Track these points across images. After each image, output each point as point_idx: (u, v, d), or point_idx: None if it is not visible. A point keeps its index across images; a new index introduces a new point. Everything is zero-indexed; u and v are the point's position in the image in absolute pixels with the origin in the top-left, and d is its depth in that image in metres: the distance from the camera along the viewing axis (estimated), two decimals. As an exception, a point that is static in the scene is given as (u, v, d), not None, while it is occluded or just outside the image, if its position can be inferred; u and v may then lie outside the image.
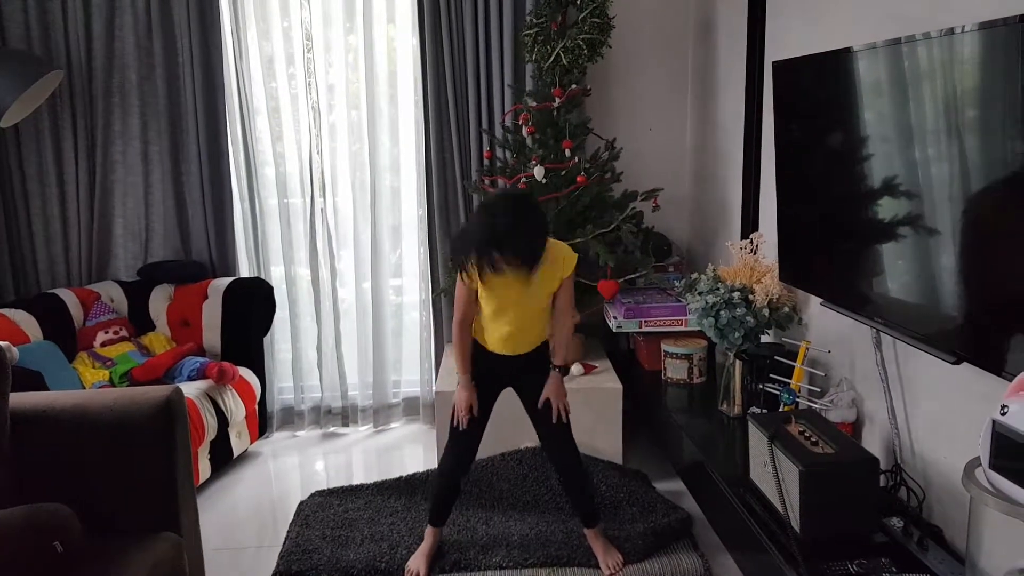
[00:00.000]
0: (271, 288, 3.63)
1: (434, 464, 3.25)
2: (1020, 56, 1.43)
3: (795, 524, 1.92)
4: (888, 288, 2.00)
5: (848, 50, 2.00)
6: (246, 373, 3.45)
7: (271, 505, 3.12)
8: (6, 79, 3.11)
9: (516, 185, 3.30)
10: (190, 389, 3.06)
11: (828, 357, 2.57)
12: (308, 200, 3.75)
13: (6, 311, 3.13)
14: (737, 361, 2.72)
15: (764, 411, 2.63)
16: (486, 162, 3.62)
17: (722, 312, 2.64)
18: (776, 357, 2.63)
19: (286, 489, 3.28)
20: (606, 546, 2.53)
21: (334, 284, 3.81)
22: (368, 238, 3.77)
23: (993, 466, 1.40)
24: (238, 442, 3.38)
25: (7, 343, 2.21)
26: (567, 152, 3.31)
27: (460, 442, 2.50)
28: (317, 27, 3.66)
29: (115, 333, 3.38)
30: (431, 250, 3.77)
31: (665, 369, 3.18)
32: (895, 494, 2.08)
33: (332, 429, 3.89)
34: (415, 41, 3.62)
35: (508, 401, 2.53)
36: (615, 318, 3.26)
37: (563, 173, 3.29)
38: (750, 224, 3.10)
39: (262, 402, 3.63)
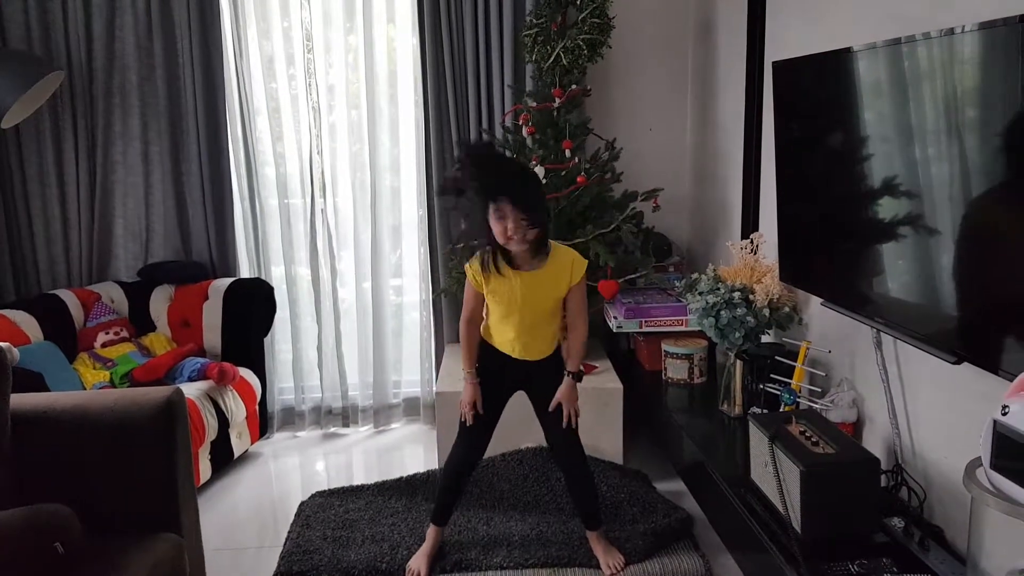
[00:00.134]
0: (271, 288, 3.63)
1: (435, 464, 3.25)
2: (1020, 56, 1.43)
3: (796, 524, 1.92)
4: (888, 288, 2.00)
5: (848, 50, 1.99)
6: (246, 374, 3.45)
7: (272, 506, 3.12)
8: (7, 80, 3.11)
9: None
10: (191, 390, 3.05)
11: (829, 357, 2.57)
12: (308, 200, 3.75)
13: (6, 312, 3.13)
14: (738, 361, 2.72)
15: (765, 411, 2.63)
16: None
17: (722, 312, 2.64)
18: (777, 357, 2.63)
19: (287, 490, 3.28)
20: (607, 547, 2.53)
21: (334, 284, 3.81)
22: (368, 238, 3.77)
23: (994, 466, 1.40)
24: (239, 443, 3.38)
25: (8, 344, 2.21)
26: (567, 152, 3.31)
27: (468, 439, 2.51)
28: (317, 27, 3.66)
29: (116, 334, 3.38)
30: (431, 250, 3.77)
31: (665, 369, 3.18)
32: (896, 494, 2.08)
33: (333, 429, 3.89)
34: (415, 41, 3.62)
35: (510, 402, 2.53)
36: (615, 318, 3.26)
37: (563, 173, 3.29)
38: (750, 224, 3.10)
39: (263, 403, 3.63)
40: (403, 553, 2.58)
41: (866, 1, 2.28)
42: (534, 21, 3.34)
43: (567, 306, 2.40)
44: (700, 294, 2.76)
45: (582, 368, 2.47)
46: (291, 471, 3.50)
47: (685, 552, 2.59)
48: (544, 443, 2.67)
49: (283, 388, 3.92)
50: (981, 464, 1.43)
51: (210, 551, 2.34)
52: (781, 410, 2.52)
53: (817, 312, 2.59)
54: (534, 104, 3.38)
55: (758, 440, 2.13)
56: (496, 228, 2.20)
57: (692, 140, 3.86)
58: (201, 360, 3.27)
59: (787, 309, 2.66)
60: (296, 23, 3.63)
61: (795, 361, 2.56)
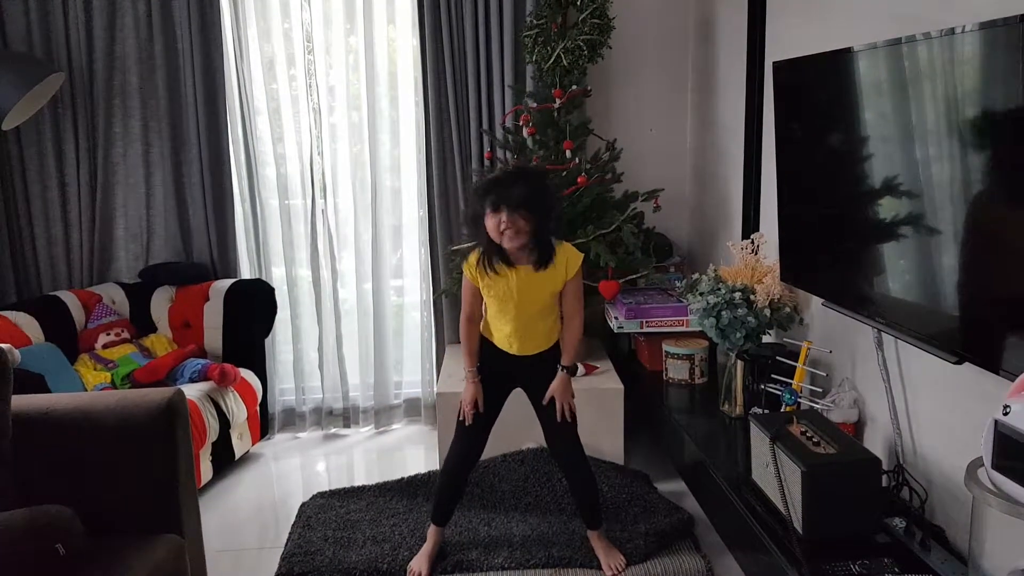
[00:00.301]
0: (272, 289, 3.63)
1: (436, 465, 3.25)
2: (1021, 56, 1.43)
3: (797, 524, 1.92)
4: (889, 288, 2.00)
5: (848, 50, 1.99)
6: (247, 375, 3.45)
7: (273, 507, 3.12)
8: (8, 81, 3.11)
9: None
10: (192, 391, 3.06)
11: (830, 357, 2.57)
12: (309, 201, 3.75)
13: (8, 313, 3.14)
14: (738, 361, 2.72)
15: (766, 411, 2.63)
16: (487, 163, 3.62)
17: (723, 312, 2.64)
18: (777, 357, 2.63)
19: (288, 490, 3.28)
20: (608, 547, 2.53)
21: (335, 285, 3.81)
22: (369, 239, 3.77)
23: (995, 466, 1.40)
24: (240, 444, 3.38)
25: (9, 345, 2.21)
26: (568, 153, 3.31)
27: (466, 437, 2.50)
28: (318, 28, 3.66)
29: (117, 335, 3.39)
30: (432, 251, 3.77)
31: (666, 369, 3.18)
32: (897, 494, 2.08)
33: (333, 430, 3.89)
34: (415, 42, 3.63)
35: (510, 402, 2.54)
36: (616, 319, 3.26)
37: (564, 174, 3.29)
38: (751, 224, 3.10)
39: (263, 403, 3.63)
40: (404, 554, 2.58)
41: (866, 1, 2.28)
42: (534, 22, 3.34)
43: (563, 300, 2.41)
44: (701, 294, 2.75)
45: (578, 364, 2.48)
46: (292, 472, 3.50)
47: (686, 552, 2.59)
48: (545, 444, 2.67)
49: (284, 389, 3.92)
50: (982, 464, 1.43)
51: (211, 552, 2.34)
52: (782, 410, 2.52)
53: (818, 312, 2.59)
54: (534, 105, 3.38)
55: (759, 440, 2.13)
56: (489, 223, 2.22)
57: (693, 140, 3.86)
58: (202, 361, 3.27)
59: (788, 309, 2.66)
60: (296, 24, 3.64)
61: (796, 361, 2.55)
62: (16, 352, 2.61)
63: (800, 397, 2.51)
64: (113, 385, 3.14)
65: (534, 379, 2.48)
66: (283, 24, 3.63)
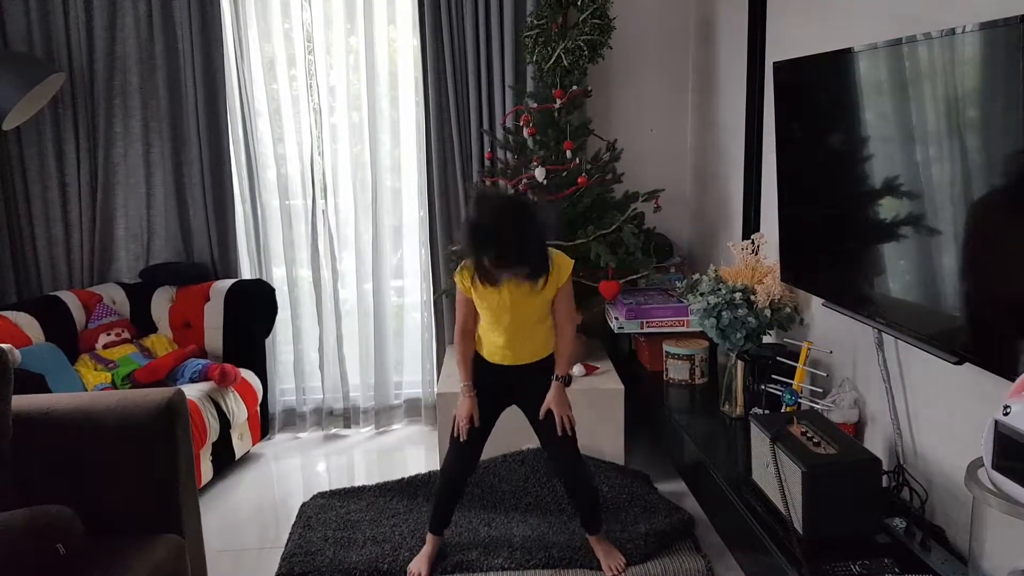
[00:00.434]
0: (273, 290, 3.64)
1: (436, 465, 3.25)
2: (1021, 56, 1.43)
3: (797, 525, 1.92)
4: (890, 288, 2.00)
5: (849, 50, 1.99)
6: (248, 375, 3.45)
7: (273, 507, 3.12)
8: (8, 81, 3.11)
9: (517, 188, 3.30)
10: (192, 391, 3.06)
11: (830, 358, 2.57)
12: (309, 201, 3.75)
13: (8, 313, 3.14)
14: (739, 362, 2.72)
15: (766, 412, 2.63)
16: (487, 163, 3.62)
17: (724, 313, 2.64)
18: (778, 358, 2.63)
19: (288, 491, 3.28)
20: (608, 548, 2.53)
21: (335, 285, 3.82)
22: (369, 239, 3.77)
23: (995, 466, 1.40)
24: (240, 444, 3.39)
25: (9, 345, 2.21)
26: (568, 153, 3.31)
27: (460, 452, 2.49)
28: (318, 28, 3.66)
29: (117, 335, 3.39)
30: (432, 251, 3.77)
31: (667, 370, 3.18)
32: (897, 494, 2.08)
33: (334, 430, 3.90)
34: (416, 42, 3.63)
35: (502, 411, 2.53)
36: (617, 319, 3.26)
37: (564, 174, 3.29)
38: (751, 224, 3.10)
39: (264, 404, 3.63)
40: (404, 554, 2.59)
41: (867, 2, 2.28)
42: (535, 22, 3.34)
43: (555, 308, 2.38)
44: (701, 295, 2.75)
45: (571, 374, 2.45)
46: (292, 472, 3.50)
47: (686, 553, 2.59)
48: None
49: (284, 389, 3.92)
50: (982, 464, 1.43)
51: (211, 552, 2.34)
52: (782, 411, 2.52)
53: (818, 312, 2.59)
54: (535, 105, 3.38)
55: (759, 441, 2.13)
56: (487, 265, 2.19)
57: (693, 141, 3.86)
58: (202, 361, 3.27)
59: (788, 310, 2.66)
60: (297, 24, 3.64)
61: (796, 362, 2.55)
62: (16, 352, 2.61)
63: (800, 397, 2.51)
64: (113, 385, 3.14)
65: (528, 392, 2.45)
66: (283, 24, 3.63)
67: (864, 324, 2.14)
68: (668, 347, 3.17)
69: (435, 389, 3.64)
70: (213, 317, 3.51)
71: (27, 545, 1.66)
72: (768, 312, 2.62)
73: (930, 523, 1.98)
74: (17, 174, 3.58)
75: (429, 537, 2.57)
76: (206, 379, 3.20)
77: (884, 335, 2.15)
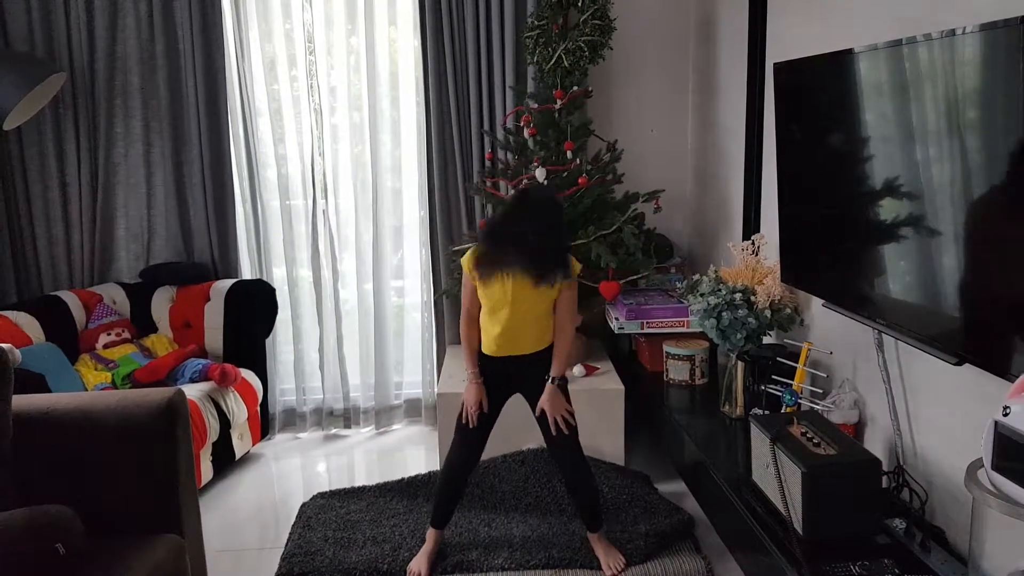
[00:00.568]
0: (273, 290, 3.64)
1: (436, 465, 3.25)
2: (1021, 57, 1.43)
3: (797, 525, 1.92)
4: (890, 289, 2.00)
5: (849, 51, 1.99)
6: (248, 375, 3.45)
7: (273, 507, 3.12)
8: (9, 81, 3.12)
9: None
10: (192, 391, 3.06)
11: (830, 358, 2.57)
12: (310, 202, 3.75)
13: (8, 313, 3.14)
14: (739, 362, 2.72)
15: (766, 412, 2.63)
16: (487, 163, 3.62)
17: (724, 313, 2.64)
18: (778, 358, 2.63)
19: (288, 491, 3.28)
20: (608, 548, 2.53)
21: (336, 285, 3.82)
22: (370, 239, 3.77)
23: (995, 467, 1.40)
24: (240, 444, 3.39)
25: (9, 345, 2.21)
26: (569, 154, 3.31)
27: (465, 442, 2.50)
28: (319, 29, 3.66)
29: (117, 335, 3.39)
30: (433, 251, 3.77)
31: (667, 370, 3.18)
32: (897, 495, 2.08)
33: (334, 431, 3.90)
34: (417, 43, 3.63)
35: (510, 403, 2.54)
36: (617, 319, 3.26)
37: (564, 175, 3.29)
38: (752, 225, 3.10)
39: (264, 404, 3.63)
40: (404, 554, 2.59)
41: (867, 2, 2.28)
42: (535, 23, 3.34)
43: (557, 308, 2.40)
44: (702, 295, 2.75)
45: (567, 376, 2.46)
46: (292, 472, 3.50)
47: (686, 553, 2.59)
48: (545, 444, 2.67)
49: (284, 389, 3.92)
50: (982, 465, 1.43)
51: (211, 552, 2.34)
52: (782, 411, 2.52)
53: (818, 313, 2.59)
54: (535, 105, 3.38)
55: (760, 441, 2.13)
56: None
57: (693, 141, 3.86)
58: (203, 361, 3.27)
59: (788, 310, 2.66)
60: (298, 25, 3.64)
61: (796, 362, 2.55)
62: (17, 352, 2.61)
63: (800, 398, 2.51)
64: (114, 385, 3.14)
65: (530, 384, 2.47)
66: (284, 25, 3.63)
67: (864, 325, 2.14)
68: (668, 348, 3.17)
69: (435, 389, 3.64)
70: (213, 317, 3.51)
71: (27, 545, 1.66)
72: (768, 313, 2.62)
73: (930, 524, 1.98)
74: (18, 174, 3.59)
75: (430, 533, 2.57)
76: (206, 379, 3.20)
77: (884, 336, 2.15)
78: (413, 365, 3.96)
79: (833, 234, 2.24)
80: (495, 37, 3.57)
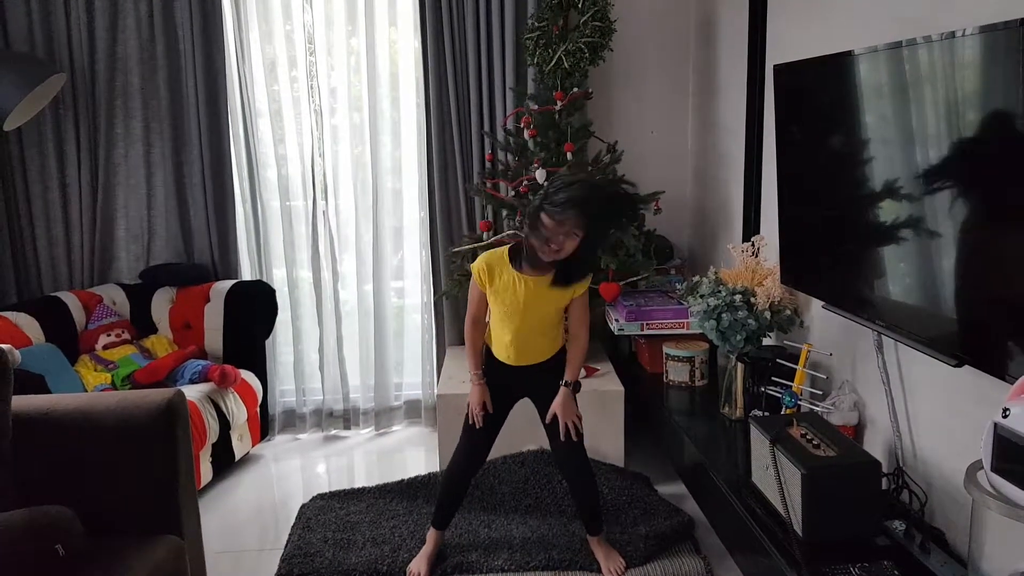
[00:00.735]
0: (273, 291, 3.64)
1: (436, 467, 3.25)
2: (1021, 59, 1.43)
3: (797, 527, 1.92)
4: (890, 291, 2.00)
5: (849, 53, 2.00)
6: (248, 376, 3.45)
7: (273, 508, 3.12)
8: (9, 82, 3.12)
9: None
10: (192, 392, 3.06)
11: (830, 360, 2.57)
12: (310, 202, 3.75)
13: (8, 314, 3.14)
14: (739, 364, 2.72)
15: (766, 414, 2.63)
16: (488, 165, 3.62)
17: (724, 315, 2.64)
18: (778, 360, 2.63)
19: (288, 492, 3.28)
20: (608, 550, 2.53)
21: (336, 287, 3.82)
22: (370, 240, 3.78)
23: (995, 469, 1.40)
24: (240, 445, 3.39)
25: (9, 346, 2.21)
26: (569, 155, 3.31)
27: (471, 444, 2.50)
28: (319, 30, 3.67)
29: (117, 336, 3.39)
30: (433, 253, 3.77)
31: (667, 372, 3.18)
32: (897, 497, 2.08)
33: (334, 432, 3.89)
34: (417, 44, 3.63)
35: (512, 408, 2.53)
36: (617, 321, 3.26)
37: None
38: (752, 227, 3.10)
39: (264, 405, 3.63)
40: (404, 556, 2.58)
41: (867, 4, 2.28)
42: (536, 24, 3.35)
43: (569, 315, 2.40)
44: (701, 297, 2.75)
45: (580, 380, 2.46)
46: (292, 473, 3.50)
47: (686, 555, 2.59)
48: (546, 446, 2.67)
49: (284, 390, 3.92)
50: (982, 467, 1.43)
51: (211, 553, 2.34)
52: (782, 413, 2.52)
53: (818, 315, 2.59)
54: (536, 107, 3.38)
55: (759, 443, 2.12)
56: (545, 231, 2.15)
57: (693, 143, 3.86)
58: (202, 362, 3.27)
59: (788, 312, 2.66)
60: (298, 26, 3.64)
61: (796, 364, 2.55)
62: (16, 353, 2.61)
63: (800, 400, 2.51)
64: (113, 386, 3.14)
65: (539, 390, 2.47)
66: (285, 26, 3.63)
67: (864, 327, 2.14)
68: (668, 349, 3.17)
69: (435, 391, 3.64)
70: (213, 318, 3.51)
71: (26, 545, 1.66)
72: (768, 314, 2.63)
73: (930, 526, 1.98)
74: (18, 174, 3.59)
75: (430, 533, 2.57)
76: (206, 380, 3.20)
77: (884, 338, 2.15)
78: (413, 366, 3.96)
79: (833, 236, 2.24)
80: (495, 38, 3.57)
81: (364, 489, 3.08)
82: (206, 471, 3.14)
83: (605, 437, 3.12)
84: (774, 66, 2.42)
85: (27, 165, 3.58)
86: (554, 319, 2.39)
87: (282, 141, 3.72)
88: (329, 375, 3.87)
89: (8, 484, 1.88)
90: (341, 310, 3.85)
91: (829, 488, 1.89)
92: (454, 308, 3.75)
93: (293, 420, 3.91)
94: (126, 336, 3.42)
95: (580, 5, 3.27)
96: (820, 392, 2.53)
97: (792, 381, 2.55)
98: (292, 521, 2.90)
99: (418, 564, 2.52)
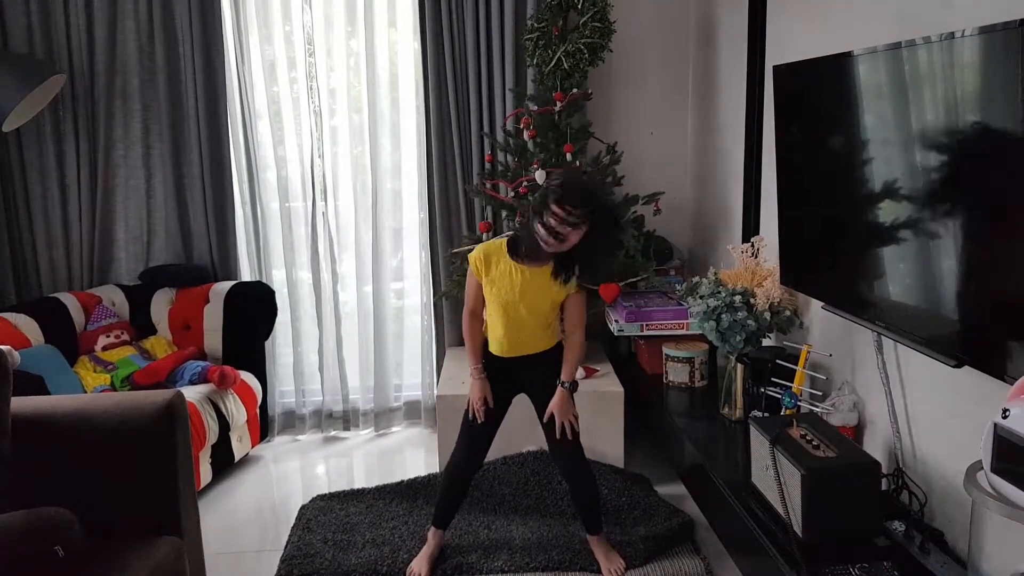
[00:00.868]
0: (272, 292, 3.63)
1: (435, 468, 3.25)
2: (1020, 60, 1.43)
3: (797, 528, 1.92)
4: (889, 291, 2.00)
5: (848, 54, 2.00)
6: (247, 377, 3.45)
7: (272, 509, 3.12)
8: (9, 83, 3.12)
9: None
10: (191, 393, 3.05)
11: (829, 360, 2.57)
12: (309, 203, 3.75)
13: (8, 315, 3.14)
14: (738, 364, 2.72)
15: (766, 415, 2.63)
16: (487, 165, 3.62)
17: (723, 315, 2.64)
18: (777, 360, 2.63)
19: (287, 493, 3.28)
20: (608, 551, 2.53)
21: (335, 288, 3.82)
22: (369, 241, 3.77)
23: (995, 469, 1.40)
24: (239, 446, 3.38)
25: (8, 347, 2.22)
26: (568, 156, 3.31)
27: (471, 442, 2.50)
28: (319, 31, 3.67)
29: (116, 337, 3.39)
30: (432, 254, 3.77)
31: (667, 372, 3.18)
32: (897, 497, 2.08)
33: (333, 433, 3.89)
34: (416, 45, 3.63)
35: (511, 405, 2.53)
36: (617, 321, 3.26)
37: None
38: (751, 227, 3.10)
39: (263, 406, 3.63)
40: (404, 556, 2.58)
41: (867, 4, 2.28)
42: (535, 25, 3.35)
43: (565, 314, 2.41)
44: (701, 298, 2.76)
45: (577, 380, 2.46)
46: (292, 474, 3.50)
47: (686, 556, 2.59)
48: (545, 447, 2.67)
49: (284, 391, 3.92)
50: (982, 467, 1.43)
51: (210, 554, 2.34)
52: (782, 414, 2.52)
53: (818, 315, 2.59)
54: (535, 108, 3.38)
55: (759, 443, 2.12)
56: (552, 220, 2.16)
57: (693, 144, 3.86)
58: (202, 363, 3.27)
59: (788, 312, 2.66)
60: (298, 27, 3.64)
61: (796, 364, 2.55)
62: (16, 354, 2.62)
63: (800, 400, 2.51)
64: (113, 387, 3.14)
65: (536, 386, 2.47)
66: (284, 27, 3.63)
67: (863, 327, 2.14)
68: (668, 350, 3.17)
69: (435, 392, 3.63)
70: (213, 319, 3.51)
71: (26, 547, 1.66)
72: (768, 315, 2.63)
73: (929, 526, 1.98)
74: (17, 175, 3.58)
75: (431, 533, 2.57)
76: (205, 381, 3.20)
77: (883, 338, 2.15)
78: (412, 367, 3.96)
79: (833, 236, 2.24)
80: (495, 39, 3.57)
81: (364, 490, 3.08)
82: (206, 472, 3.14)
83: (605, 438, 3.11)
84: (774, 67, 2.42)
85: (26, 166, 3.58)
86: (548, 313, 2.39)
87: (281, 142, 3.72)
88: (329, 376, 3.86)
89: (7, 485, 1.88)
90: (341, 311, 3.85)
91: (829, 489, 1.89)
92: (454, 309, 3.74)
93: (293, 421, 3.91)
94: (125, 337, 3.42)
95: (580, 6, 3.27)
96: (820, 393, 2.53)
97: (792, 382, 2.55)
98: (292, 522, 2.90)
99: (419, 564, 2.52)
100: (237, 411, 3.30)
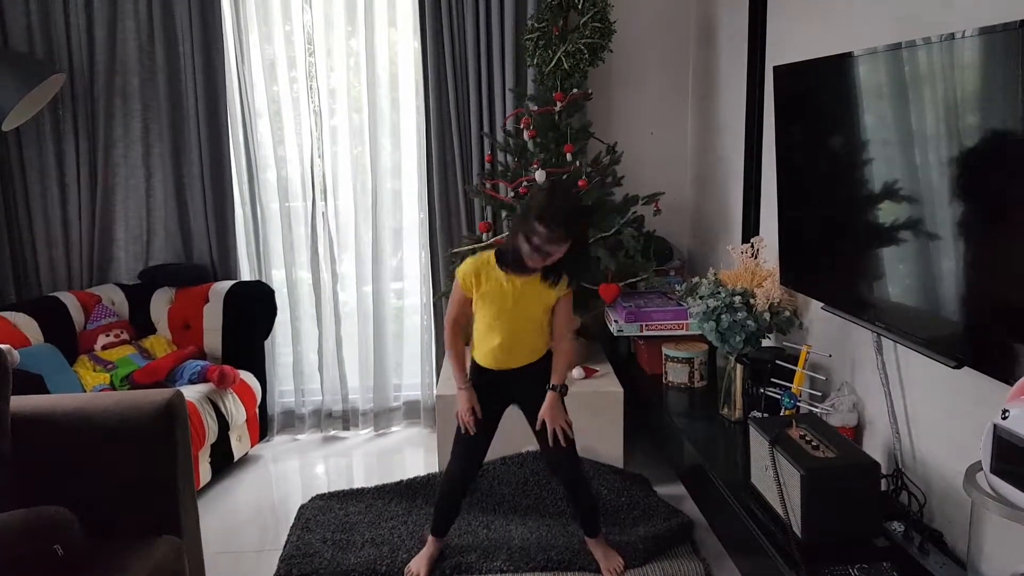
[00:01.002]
0: (272, 291, 3.64)
1: (435, 467, 3.25)
2: (1020, 61, 1.43)
3: (796, 528, 1.92)
4: (889, 292, 2.00)
5: (848, 55, 2.00)
6: (247, 376, 3.45)
7: (272, 509, 3.12)
8: (8, 82, 3.12)
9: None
10: (191, 392, 3.05)
11: (829, 361, 2.57)
12: (309, 203, 3.75)
13: (7, 314, 3.14)
14: (738, 365, 2.72)
15: (765, 415, 2.63)
16: (487, 166, 3.62)
17: (723, 316, 2.64)
18: (777, 361, 2.63)
19: (287, 492, 3.28)
20: (607, 551, 2.53)
21: (335, 287, 3.82)
22: (369, 241, 3.77)
23: (994, 470, 1.40)
24: (239, 445, 3.38)
25: (8, 346, 2.22)
26: (568, 156, 3.31)
27: (465, 449, 2.49)
28: (319, 31, 3.66)
29: (116, 336, 3.39)
30: (432, 254, 3.77)
31: (666, 373, 3.18)
32: (896, 498, 2.08)
33: (333, 432, 3.89)
34: (417, 45, 3.63)
35: (509, 407, 2.53)
36: (616, 322, 3.26)
37: (564, 177, 3.29)
38: (751, 228, 3.10)
39: (263, 405, 3.63)
40: (403, 556, 2.58)
41: (867, 4, 2.28)
42: (535, 25, 3.35)
43: (554, 318, 2.39)
44: (701, 298, 2.76)
45: (567, 384, 2.45)
46: (291, 474, 3.50)
47: (685, 556, 2.59)
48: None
49: (283, 391, 3.92)
50: (981, 468, 1.43)
51: (210, 554, 2.33)
52: (781, 414, 2.52)
53: (818, 316, 2.59)
54: (535, 108, 3.38)
55: (758, 444, 2.12)
56: (536, 239, 2.17)
57: (693, 144, 3.86)
58: (201, 363, 3.27)
59: (788, 313, 2.66)
60: (298, 26, 3.64)
61: (795, 365, 2.55)
62: (15, 353, 2.62)
63: (799, 401, 2.51)
64: (112, 386, 3.14)
65: (526, 395, 2.46)
66: (284, 26, 3.63)
67: (863, 328, 2.14)
68: (667, 350, 3.17)
69: (434, 391, 3.63)
70: (212, 319, 3.51)
71: (25, 547, 1.66)
72: (767, 316, 2.63)
73: (929, 527, 1.98)
74: (17, 175, 3.58)
75: (430, 539, 2.57)
76: (205, 381, 3.20)
77: (883, 339, 2.15)
78: (412, 367, 3.96)
79: (832, 237, 2.24)
80: (495, 39, 3.57)
81: (363, 490, 3.08)
82: (205, 471, 3.14)
83: (604, 438, 3.11)
84: (774, 67, 2.42)
85: (26, 165, 3.58)
86: (541, 319, 2.39)
87: (281, 142, 3.72)
88: (328, 376, 3.86)
89: (7, 485, 1.88)
90: (340, 311, 3.85)
91: (828, 489, 1.89)
92: (453, 309, 3.74)
93: (292, 421, 3.91)
94: (125, 336, 3.42)
95: (580, 6, 3.27)
96: (819, 393, 2.53)
97: (791, 382, 2.55)
98: (291, 521, 2.90)
99: (417, 564, 2.52)
100: (236, 411, 3.30)
